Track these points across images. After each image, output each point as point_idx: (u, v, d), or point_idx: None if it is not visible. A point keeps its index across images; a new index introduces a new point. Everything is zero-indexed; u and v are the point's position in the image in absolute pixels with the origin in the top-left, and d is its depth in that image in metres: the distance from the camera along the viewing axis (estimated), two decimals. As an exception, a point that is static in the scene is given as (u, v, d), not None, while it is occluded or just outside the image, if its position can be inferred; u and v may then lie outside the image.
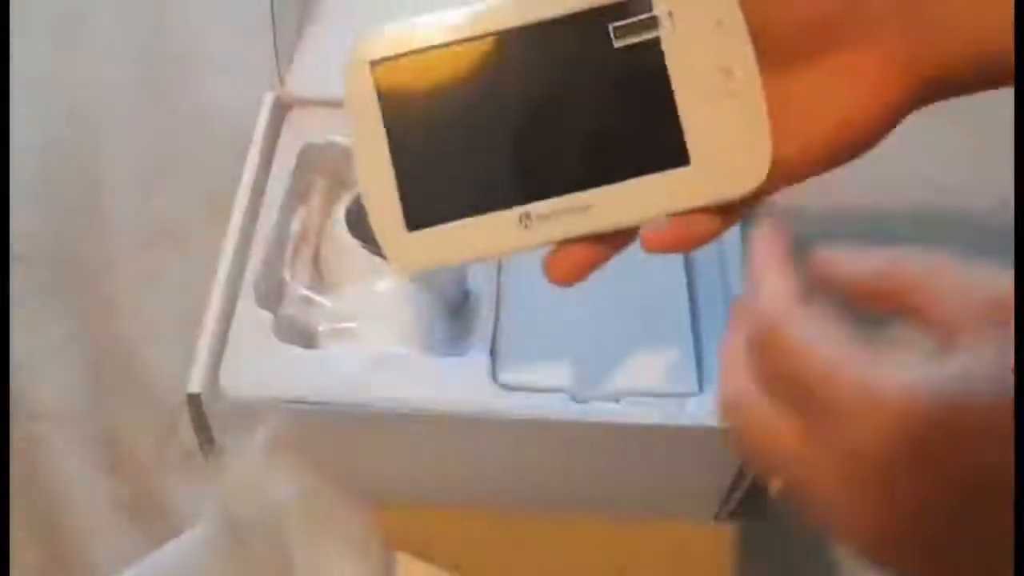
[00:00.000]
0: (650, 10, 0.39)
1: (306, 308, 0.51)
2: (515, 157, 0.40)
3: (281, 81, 0.57)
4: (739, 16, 0.39)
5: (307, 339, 0.50)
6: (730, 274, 0.53)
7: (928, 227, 0.67)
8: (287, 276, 0.52)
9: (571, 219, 0.39)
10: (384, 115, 0.39)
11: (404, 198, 0.39)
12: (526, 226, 0.39)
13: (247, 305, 0.50)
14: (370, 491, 0.48)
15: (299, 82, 0.57)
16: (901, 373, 0.29)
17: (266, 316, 0.49)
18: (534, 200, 0.39)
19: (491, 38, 0.39)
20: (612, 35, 0.39)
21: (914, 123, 0.61)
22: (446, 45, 0.40)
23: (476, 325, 0.50)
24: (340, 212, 0.53)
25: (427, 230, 0.39)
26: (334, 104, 0.57)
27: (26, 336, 0.59)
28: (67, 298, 0.61)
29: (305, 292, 0.52)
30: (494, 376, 0.48)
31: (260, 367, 0.47)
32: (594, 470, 0.49)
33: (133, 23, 0.78)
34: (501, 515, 0.51)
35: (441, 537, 0.51)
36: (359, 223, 0.53)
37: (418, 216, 0.39)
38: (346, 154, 0.55)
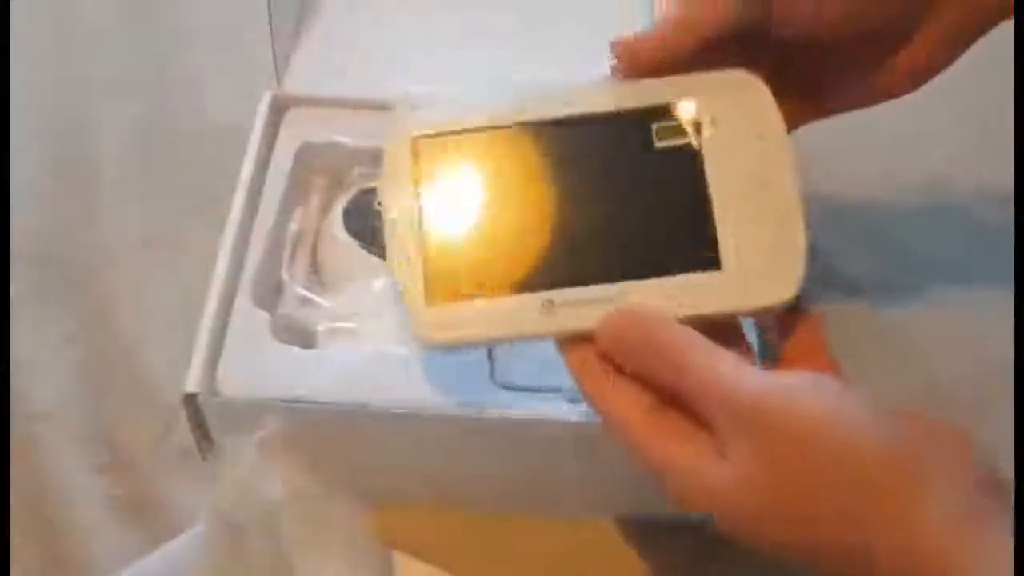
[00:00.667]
0: (693, 115, 0.40)
1: (304, 308, 0.51)
2: (542, 244, 0.40)
3: (279, 80, 0.57)
4: (782, 132, 0.40)
5: (305, 339, 0.50)
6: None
7: (930, 222, 0.67)
8: (285, 276, 0.52)
9: (594, 310, 0.38)
10: (418, 188, 0.40)
11: (427, 271, 0.40)
12: (547, 313, 0.39)
13: (245, 305, 0.49)
14: (368, 491, 0.48)
15: (297, 82, 0.57)
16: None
17: (264, 316, 0.49)
18: (559, 287, 0.39)
19: (534, 127, 0.40)
20: (654, 135, 0.40)
21: (917, 117, 0.61)
22: (488, 129, 0.41)
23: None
24: (338, 212, 0.53)
25: (447, 306, 0.39)
26: (332, 104, 0.57)
27: (24, 336, 0.59)
28: (64, 298, 0.61)
29: (303, 292, 0.51)
30: (492, 376, 0.48)
31: (258, 367, 0.47)
32: (593, 471, 0.49)
33: (130, 23, 0.77)
34: (500, 516, 0.51)
35: (439, 538, 0.50)
36: (357, 223, 0.53)
37: (439, 291, 0.40)
38: (344, 154, 0.55)
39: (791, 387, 0.33)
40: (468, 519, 0.51)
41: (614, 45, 0.40)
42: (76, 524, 0.52)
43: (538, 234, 0.40)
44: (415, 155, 0.41)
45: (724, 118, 0.40)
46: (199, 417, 0.47)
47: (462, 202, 0.41)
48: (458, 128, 0.41)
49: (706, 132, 0.40)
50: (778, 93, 0.41)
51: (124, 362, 0.58)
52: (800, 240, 0.39)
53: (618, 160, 0.40)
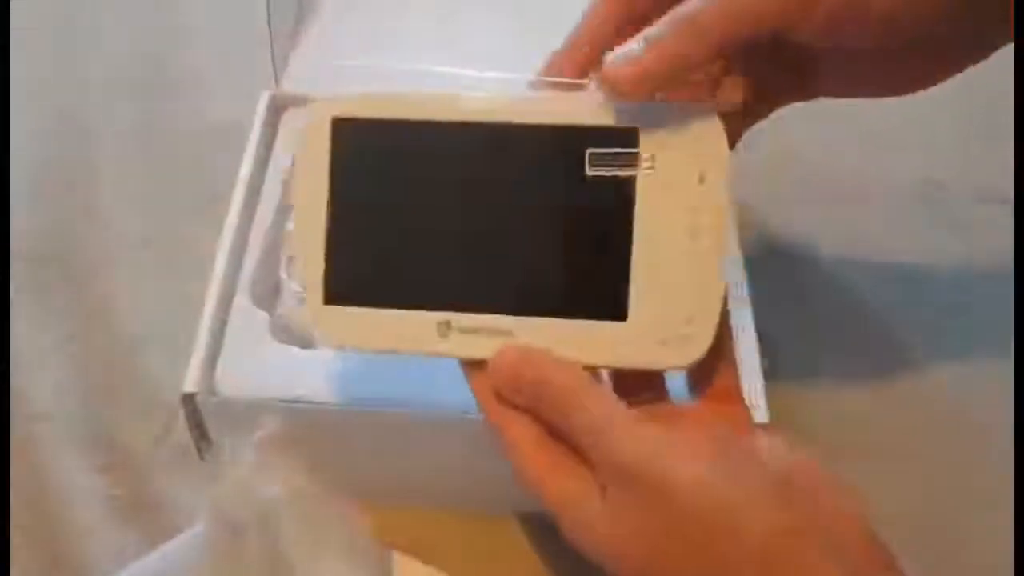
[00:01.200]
0: (635, 146, 0.36)
1: (303, 308, 0.51)
2: (450, 260, 0.37)
3: (277, 80, 0.57)
4: (724, 178, 0.36)
5: (304, 339, 0.50)
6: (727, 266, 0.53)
7: (924, 224, 0.67)
8: (284, 276, 0.52)
9: (490, 341, 0.36)
10: (332, 177, 0.37)
11: (329, 268, 0.38)
12: (443, 335, 0.37)
13: (243, 305, 0.49)
14: (367, 491, 0.48)
15: (295, 81, 0.57)
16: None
17: (262, 316, 0.49)
18: (458, 310, 0.37)
19: (464, 128, 0.37)
20: (587, 161, 0.36)
21: (911, 119, 0.61)
22: (415, 123, 0.37)
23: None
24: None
25: (343, 308, 0.38)
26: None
27: (23, 335, 0.59)
28: (63, 297, 0.61)
29: (302, 292, 0.51)
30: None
31: (256, 367, 0.47)
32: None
33: (129, 23, 0.77)
34: (499, 517, 0.51)
35: (438, 539, 0.50)
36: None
37: (338, 292, 0.38)
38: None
39: (680, 455, 0.33)
40: (467, 520, 0.51)
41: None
42: (75, 523, 0.52)
43: (446, 248, 0.37)
44: (333, 139, 0.37)
45: (667, 156, 0.36)
46: (198, 417, 0.47)
47: (375, 200, 0.37)
48: (383, 117, 0.37)
49: (644, 168, 0.36)
50: (766, 75, 0.40)
51: (123, 362, 0.58)
52: (716, 304, 0.36)
53: (544, 183, 0.37)
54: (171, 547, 0.48)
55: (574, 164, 0.36)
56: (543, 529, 0.51)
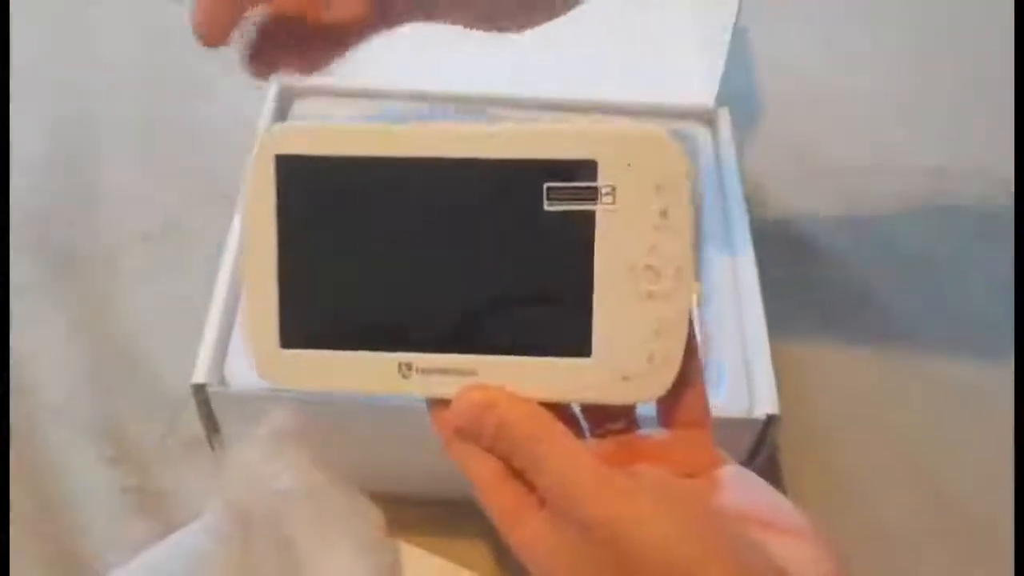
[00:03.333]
0: (593, 180, 0.35)
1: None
2: (408, 299, 0.36)
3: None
4: (688, 214, 0.35)
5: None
6: (736, 260, 0.53)
7: (930, 215, 0.67)
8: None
9: (452, 380, 0.36)
10: (279, 218, 0.36)
11: (283, 311, 0.36)
12: (404, 376, 0.36)
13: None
14: (375, 482, 0.48)
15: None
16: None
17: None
18: (418, 351, 0.36)
19: (415, 164, 0.35)
20: (545, 195, 0.35)
21: (917, 112, 0.61)
22: (364, 159, 0.35)
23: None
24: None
25: (301, 352, 0.36)
26: (339, 94, 0.57)
27: (31, 328, 0.59)
28: (70, 291, 0.61)
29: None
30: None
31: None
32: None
33: (135, 15, 0.77)
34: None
35: (446, 529, 0.50)
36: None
37: (294, 334, 0.36)
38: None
39: (638, 514, 0.33)
40: (475, 511, 0.51)
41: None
42: (84, 515, 0.52)
43: (403, 288, 0.36)
44: (279, 177, 0.36)
45: (626, 189, 0.35)
46: (207, 408, 0.47)
47: (326, 240, 0.36)
48: (330, 153, 0.35)
49: (603, 202, 0.35)
50: None
51: (131, 355, 0.58)
52: (679, 340, 0.35)
53: (501, 218, 0.35)
54: (180, 538, 0.48)
55: (532, 198, 0.35)
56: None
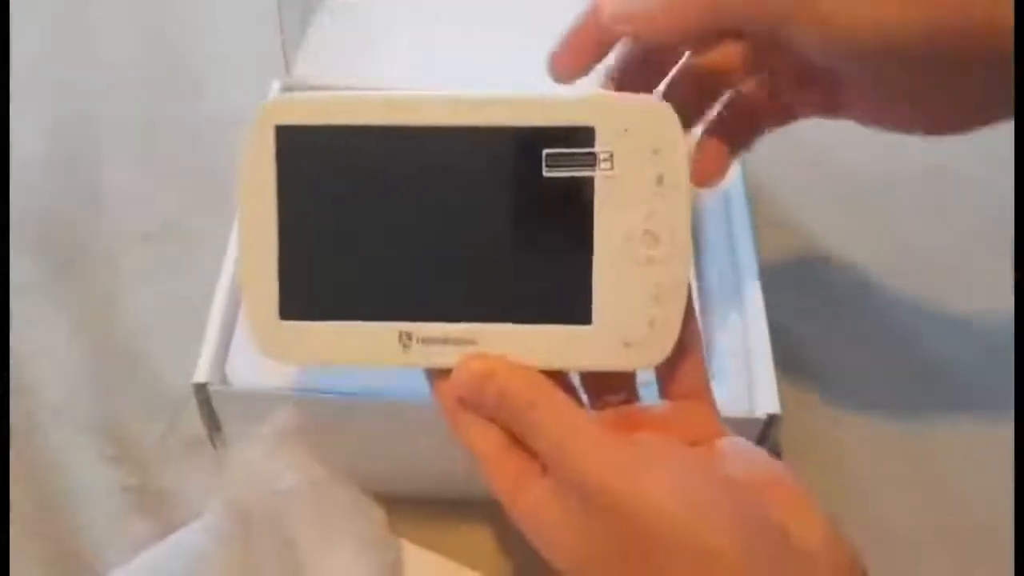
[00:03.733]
0: (591, 146, 0.35)
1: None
2: (408, 269, 0.36)
3: (288, 69, 0.57)
4: (684, 178, 0.35)
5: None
6: (738, 259, 0.53)
7: (932, 214, 0.67)
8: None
9: (452, 350, 0.36)
10: (279, 189, 0.36)
11: (282, 283, 0.36)
12: (405, 346, 0.36)
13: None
14: (377, 481, 0.48)
15: (306, 71, 0.57)
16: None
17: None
18: (418, 320, 0.36)
19: (414, 133, 0.35)
20: (544, 162, 0.35)
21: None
22: (363, 128, 0.36)
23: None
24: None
25: (301, 323, 0.37)
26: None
27: (31, 328, 0.59)
28: (70, 291, 0.61)
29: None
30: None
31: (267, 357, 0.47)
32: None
33: (137, 13, 0.77)
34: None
35: (448, 529, 0.50)
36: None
37: (293, 306, 0.37)
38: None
39: (638, 477, 0.33)
40: (477, 509, 0.51)
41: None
42: (84, 514, 0.52)
43: (403, 257, 0.36)
44: (278, 147, 0.36)
45: (624, 155, 0.35)
46: (209, 407, 0.47)
47: (326, 210, 0.36)
48: (329, 122, 0.36)
49: (601, 168, 0.35)
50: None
51: (132, 354, 0.58)
52: (679, 306, 0.36)
53: (500, 186, 0.36)
54: (180, 537, 0.48)
55: (531, 165, 0.35)
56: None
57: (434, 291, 0.36)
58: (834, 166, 0.69)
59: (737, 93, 0.43)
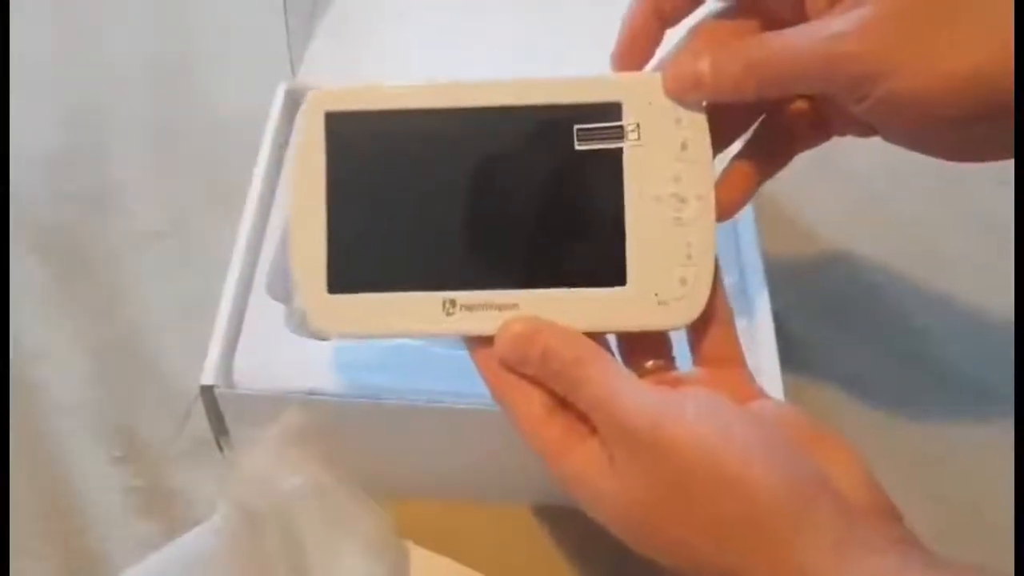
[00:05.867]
0: (619, 119, 0.38)
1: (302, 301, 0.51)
2: (450, 240, 0.38)
3: (293, 72, 0.57)
4: (706, 144, 0.38)
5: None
6: (743, 254, 0.53)
7: (939, 213, 0.67)
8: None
9: (495, 315, 0.38)
10: (328, 170, 0.38)
11: (331, 258, 0.38)
12: (449, 313, 0.38)
13: (260, 297, 0.49)
14: (383, 483, 0.48)
15: (312, 73, 0.57)
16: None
17: (279, 308, 0.49)
18: (461, 289, 0.38)
19: (453, 115, 0.38)
20: (575, 136, 0.38)
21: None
22: (406, 113, 0.38)
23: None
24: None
25: (348, 296, 0.38)
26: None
27: (40, 330, 0.59)
28: (80, 291, 0.61)
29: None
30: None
31: (273, 360, 0.47)
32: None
33: (144, 14, 0.78)
34: (515, 508, 0.51)
35: (455, 530, 0.50)
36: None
37: (341, 280, 0.38)
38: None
39: (681, 417, 0.34)
40: (483, 511, 0.51)
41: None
42: (93, 515, 0.52)
43: (446, 230, 0.38)
44: (328, 132, 0.39)
45: (650, 126, 0.38)
46: (216, 409, 0.47)
47: (372, 187, 0.39)
48: (375, 108, 0.39)
49: (629, 139, 0.38)
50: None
51: (140, 355, 0.59)
52: (709, 264, 0.38)
53: (536, 160, 0.38)
54: (189, 538, 0.48)
55: (564, 140, 0.38)
56: (557, 519, 0.51)
57: (476, 260, 0.38)
58: (840, 165, 0.68)
59: (771, 116, 0.43)
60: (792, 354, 0.49)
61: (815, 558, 0.32)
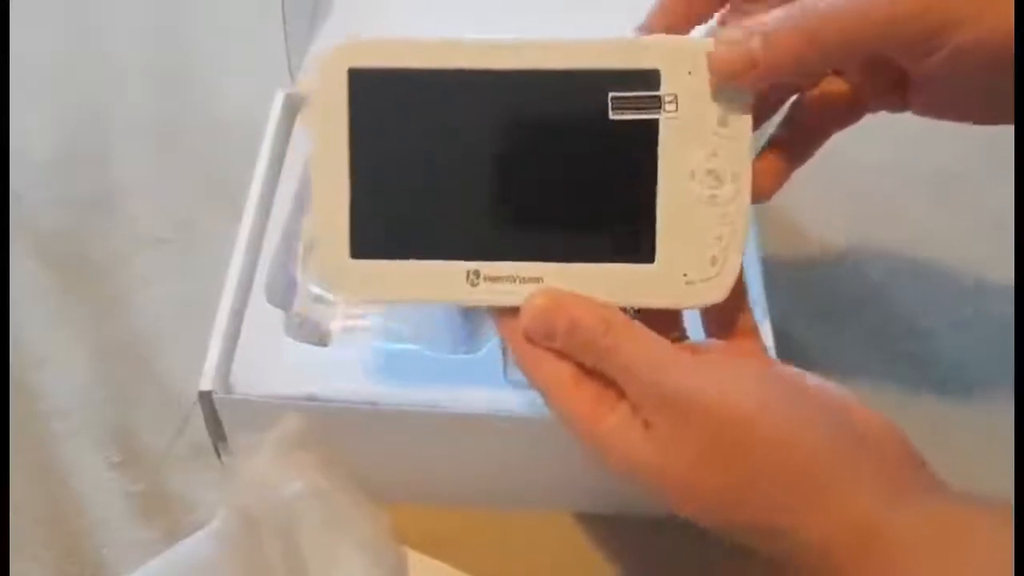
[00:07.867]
0: (656, 89, 0.36)
1: (318, 306, 0.51)
2: (476, 209, 0.37)
3: (292, 78, 0.57)
4: (747, 121, 0.36)
5: (319, 337, 0.50)
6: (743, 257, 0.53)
7: (939, 213, 0.67)
8: (299, 274, 0.52)
9: (520, 288, 0.37)
10: (351, 131, 0.37)
11: (354, 223, 0.37)
12: (473, 283, 0.37)
13: (259, 303, 0.50)
14: (382, 489, 0.48)
15: (311, 78, 0.57)
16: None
17: (278, 314, 0.49)
18: (486, 259, 0.37)
19: (483, 76, 0.36)
20: (610, 105, 0.36)
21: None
22: (435, 71, 0.36)
23: (488, 323, 0.50)
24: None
25: (371, 262, 0.37)
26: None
27: (39, 333, 0.59)
28: (79, 295, 0.61)
29: (317, 290, 0.51)
30: (506, 374, 0.48)
31: (272, 365, 0.47)
32: (604, 470, 0.49)
33: (145, 18, 0.78)
34: (513, 514, 0.51)
35: (453, 536, 0.50)
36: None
37: (365, 245, 0.37)
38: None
39: (722, 380, 0.34)
40: (481, 516, 0.51)
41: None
42: (92, 520, 0.52)
43: (473, 197, 0.37)
44: (351, 90, 0.36)
45: (688, 98, 0.36)
46: (214, 415, 0.47)
47: (397, 151, 0.37)
48: (401, 65, 0.36)
49: (667, 110, 0.36)
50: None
51: (139, 358, 0.59)
52: (740, 245, 0.37)
53: (567, 128, 0.36)
54: (188, 544, 0.48)
55: (597, 108, 0.36)
56: (555, 525, 0.51)
57: (502, 230, 0.37)
58: (839, 165, 0.68)
59: (804, 95, 0.42)
60: (792, 354, 0.49)
61: (868, 503, 0.32)
